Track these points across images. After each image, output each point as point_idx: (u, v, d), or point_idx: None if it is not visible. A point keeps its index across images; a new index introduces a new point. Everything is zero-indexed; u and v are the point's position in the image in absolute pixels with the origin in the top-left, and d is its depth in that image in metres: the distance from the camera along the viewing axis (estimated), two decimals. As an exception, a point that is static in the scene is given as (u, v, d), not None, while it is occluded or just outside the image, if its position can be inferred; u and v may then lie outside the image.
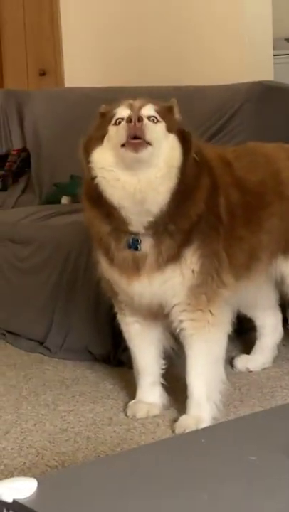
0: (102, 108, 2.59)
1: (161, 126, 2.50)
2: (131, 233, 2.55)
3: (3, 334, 3.62)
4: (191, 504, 1.38)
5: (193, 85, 3.94)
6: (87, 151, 2.55)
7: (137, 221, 2.52)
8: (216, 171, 2.67)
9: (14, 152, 4.35)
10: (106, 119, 2.53)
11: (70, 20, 4.72)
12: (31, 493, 1.41)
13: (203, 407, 2.67)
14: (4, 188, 4.29)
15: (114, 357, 3.26)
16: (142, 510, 1.38)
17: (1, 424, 2.80)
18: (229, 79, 3.86)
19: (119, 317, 2.83)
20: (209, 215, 2.60)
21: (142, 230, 2.54)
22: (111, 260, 2.63)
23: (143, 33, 4.40)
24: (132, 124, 2.43)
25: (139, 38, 4.41)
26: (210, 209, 2.60)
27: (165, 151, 2.49)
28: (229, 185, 2.70)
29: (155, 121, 2.49)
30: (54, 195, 4.05)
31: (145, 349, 2.81)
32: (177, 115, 2.56)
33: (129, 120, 2.44)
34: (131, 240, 2.55)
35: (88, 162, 2.54)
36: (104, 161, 2.51)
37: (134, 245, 2.56)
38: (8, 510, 1.38)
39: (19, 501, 1.38)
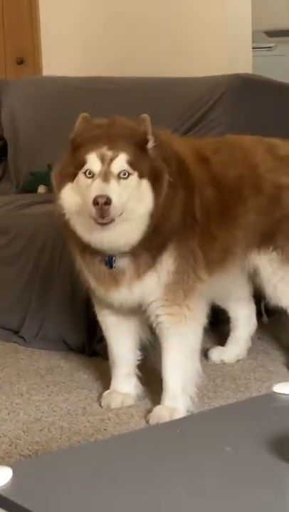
0: (74, 136, 2.52)
1: (132, 179, 2.45)
2: (105, 254, 2.56)
3: (-22, 323, 3.60)
4: (167, 494, 1.38)
5: (173, 76, 3.94)
6: (58, 186, 2.53)
7: (110, 252, 2.55)
8: (192, 169, 2.67)
9: (-9, 140, 4.32)
10: (76, 157, 2.47)
11: (49, 8, 4.69)
12: (6, 482, 1.40)
13: (178, 399, 2.67)
14: (-19, 177, 4.26)
15: (89, 347, 3.25)
16: (116, 499, 1.38)
17: (-26, 413, 2.79)
18: (208, 71, 3.86)
19: (96, 308, 2.83)
20: (185, 217, 2.61)
21: (117, 253, 2.55)
22: (88, 269, 2.64)
23: (123, 23, 4.38)
24: (99, 207, 2.36)
25: (118, 28, 4.39)
26: (185, 212, 2.61)
27: (136, 204, 2.46)
28: (205, 184, 2.70)
29: (126, 175, 2.43)
30: (31, 184, 4.03)
31: (121, 340, 2.82)
32: (150, 144, 2.50)
33: (95, 203, 2.37)
34: (106, 259, 2.56)
35: (58, 198, 2.53)
36: (73, 203, 2.49)
37: (110, 263, 2.57)
38: (-17, 498, 1.37)
39: (-6, 490, 1.38)
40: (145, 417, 2.71)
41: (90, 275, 2.66)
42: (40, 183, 3.94)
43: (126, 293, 2.62)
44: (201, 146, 2.84)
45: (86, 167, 2.45)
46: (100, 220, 2.41)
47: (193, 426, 1.68)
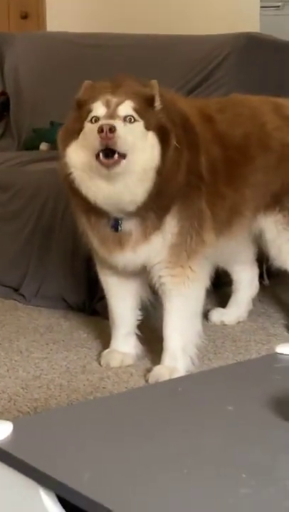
0: (79, 96, 2.50)
1: (138, 126, 2.41)
2: (110, 217, 2.53)
3: (-23, 280, 3.59)
4: (166, 452, 1.38)
5: (178, 34, 3.88)
6: (64, 144, 2.49)
7: (116, 212, 2.51)
8: (197, 128, 2.63)
9: (-7, 96, 4.28)
10: (83, 111, 2.45)
11: None
12: (6, 436, 1.40)
13: (178, 359, 2.66)
14: (-18, 133, 4.22)
15: (89, 306, 3.24)
16: (115, 457, 1.37)
17: (-27, 369, 2.79)
18: (215, 29, 3.81)
19: (97, 268, 2.81)
20: (191, 177, 2.57)
21: (122, 216, 2.52)
22: (92, 231, 2.61)
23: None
24: (104, 134, 2.33)
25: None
26: (191, 171, 2.57)
27: (142, 155, 2.42)
28: (211, 141, 2.67)
29: (132, 120, 2.40)
30: (33, 141, 3.99)
31: (122, 300, 2.80)
32: (158, 104, 2.47)
33: (100, 130, 2.34)
34: (113, 222, 2.53)
35: (63, 156, 2.49)
36: (79, 159, 2.45)
37: (116, 227, 2.54)
38: (-18, 452, 1.36)
39: (-6, 444, 1.37)
40: (144, 376, 2.71)
41: (95, 237, 2.63)
42: (42, 140, 3.90)
43: (131, 255, 2.59)
44: (205, 105, 2.80)
45: (91, 114, 2.42)
46: (104, 160, 2.36)
47: (195, 385, 1.67)
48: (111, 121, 2.36)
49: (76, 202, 2.61)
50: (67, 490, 1.26)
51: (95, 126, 2.39)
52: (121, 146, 2.37)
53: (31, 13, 4.72)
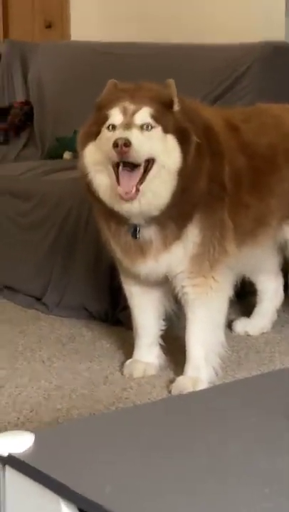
0: (99, 99, 2.50)
1: (156, 132, 2.41)
2: (130, 224, 2.52)
3: (1, 289, 3.59)
4: (189, 467, 1.35)
5: (202, 43, 3.87)
6: (82, 146, 2.51)
7: (136, 218, 2.49)
8: (221, 136, 2.62)
9: (17, 105, 4.29)
10: (101, 115, 2.45)
11: (78, -27, 4.63)
12: (27, 448, 1.38)
13: (201, 370, 2.64)
14: (6, 142, 4.23)
15: (112, 316, 3.23)
16: (137, 469, 1.35)
17: (-5, 378, 2.78)
18: (239, 38, 3.79)
19: (121, 277, 2.79)
20: (213, 186, 2.56)
21: (142, 222, 2.51)
22: (114, 240, 2.60)
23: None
24: (119, 149, 2.33)
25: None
26: (213, 179, 2.55)
27: (163, 158, 2.41)
28: (235, 150, 2.65)
29: (149, 127, 2.39)
30: (56, 149, 4.00)
31: (145, 309, 2.78)
32: (176, 106, 2.46)
33: (115, 145, 2.33)
34: (132, 229, 2.52)
35: (82, 157, 2.50)
36: (96, 161, 2.46)
37: (134, 233, 2.53)
38: (4, 464, 1.35)
39: (15, 455, 1.35)
40: (167, 387, 2.68)
41: (117, 246, 2.62)
42: (66, 148, 3.90)
43: (153, 264, 2.58)
44: (230, 115, 2.79)
45: (108, 122, 2.43)
46: (123, 194, 2.37)
47: (217, 397, 1.64)
48: (126, 135, 2.36)
49: (96, 207, 2.60)
50: (89, 503, 1.25)
51: (112, 135, 2.39)
52: (136, 158, 2.37)
53: (55, 23, 4.73)
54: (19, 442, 1.37)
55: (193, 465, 1.35)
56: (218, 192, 2.59)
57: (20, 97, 4.33)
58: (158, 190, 2.43)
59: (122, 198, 2.40)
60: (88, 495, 1.25)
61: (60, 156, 3.93)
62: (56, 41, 4.57)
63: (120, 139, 2.34)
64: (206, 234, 2.58)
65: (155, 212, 2.48)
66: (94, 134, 2.48)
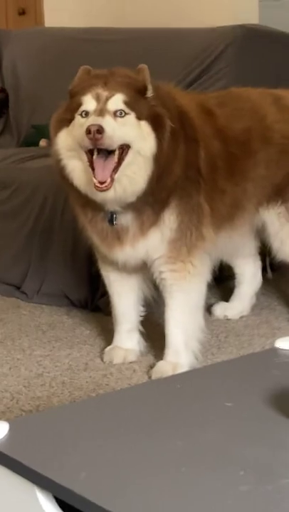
0: (72, 86, 2.49)
1: (129, 118, 2.40)
2: (106, 211, 2.51)
3: (-20, 279, 3.58)
4: (164, 450, 1.36)
5: (176, 27, 3.86)
6: (54, 132, 2.50)
7: (112, 205, 2.49)
8: (196, 121, 2.61)
9: (-8, 93, 4.26)
10: (74, 102, 2.44)
11: None
12: (1, 437, 1.38)
13: (180, 354, 2.65)
14: (-18, 130, 4.20)
15: (92, 302, 3.23)
16: (115, 454, 1.35)
17: (-25, 368, 2.78)
18: (213, 22, 3.78)
19: (99, 264, 2.79)
20: (188, 171, 2.56)
21: (118, 209, 2.50)
22: (91, 227, 2.60)
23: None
24: (92, 135, 2.32)
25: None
26: (189, 165, 2.55)
27: (138, 144, 2.40)
28: (210, 135, 2.65)
29: (122, 114, 2.39)
30: (32, 137, 3.98)
31: (124, 296, 2.78)
32: (149, 92, 2.45)
33: (88, 132, 2.32)
34: (109, 216, 2.52)
35: (54, 144, 2.49)
36: (68, 147, 2.45)
37: (111, 220, 2.53)
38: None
39: (-11, 445, 1.36)
40: (148, 372, 2.69)
41: (93, 233, 2.62)
42: (42, 136, 3.88)
43: (130, 251, 2.58)
44: (204, 99, 2.78)
45: (82, 108, 2.42)
46: (98, 184, 2.36)
47: (194, 381, 1.65)
48: (99, 121, 2.35)
49: (71, 193, 2.60)
50: (63, 490, 1.25)
51: (85, 122, 2.38)
52: (110, 145, 2.36)
53: (29, 10, 4.70)
54: (-7, 432, 1.38)
55: (168, 450, 1.36)
56: (194, 177, 2.59)
57: (-5, 86, 4.31)
58: (133, 176, 2.43)
59: (97, 189, 2.39)
60: (62, 482, 1.25)
61: (37, 144, 3.91)
62: (30, 28, 4.54)
63: (93, 125, 2.33)
64: (182, 219, 2.58)
65: (131, 199, 2.47)
66: (67, 121, 2.47)
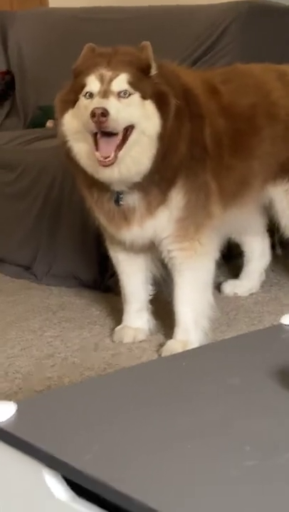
0: (76, 65, 2.48)
1: (134, 98, 2.39)
2: (112, 191, 2.51)
3: (-11, 260, 3.59)
4: (170, 428, 1.37)
5: (180, 4, 3.83)
6: (60, 113, 2.49)
7: (118, 185, 2.48)
8: (200, 99, 2.60)
9: (-2, 75, 4.26)
10: (78, 82, 2.43)
11: None
12: (9, 417, 1.39)
13: (190, 332, 2.65)
14: (-12, 112, 4.21)
15: (102, 283, 3.23)
16: (121, 432, 1.36)
17: (-14, 349, 2.79)
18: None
19: (107, 244, 2.80)
20: (194, 149, 2.54)
21: (125, 189, 2.49)
22: (98, 208, 2.59)
23: None
24: (96, 119, 2.31)
25: None
26: (194, 142, 2.54)
27: (142, 124, 2.39)
28: (216, 112, 2.64)
29: (127, 94, 2.38)
30: (39, 118, 3.98)
31: (133, 275, 2.79)
32: (153, 70, 2.44)
33: (92, 115, 2.32)
34: (115, 196, 2.51)
35: (61, 124, 2.48)
36: (74, 128, 2.45)
37: (117, 201, 2.52)
38: (-16, 434, 1.36)
39: (-4, 425, 1.37)
40: (158, 351, 2.70)
41: (100, 213, 2.62)
42: (49, 117, 3.87)
43: (137, 231, 2.58)
44: (209, 77, 2.77)
45: (86, 89, 2.41)
46: (101, 158, 2.36)
47: (199, 358, 1.65)
48: (103, 104, 2.34)
49: (77, 174, 2.59)
50: (70, 469, 1.26)
51: (89, 103, 2.37)
52: (115, 128, 2.36)
53: (33, -10, 4.69)
54: (1, 412, 1.38)
55: (174, 428, 1.37)
56: (200, 154, 2.58)
57: (1, 67, 4.30)
58: (138, 156, 2.42)
59: (100, 163, 2.39)
60: (69, 461, 1.26)
61: (43, 125, 3.91)
62: (34, 9, 4.53)
63: (98, 108, 2.33)
64: (190, 197, 2.57)
65: (136, 179, 2.47)
66: (71, 102, 2.46)
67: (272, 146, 2.76)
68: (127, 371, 1.74)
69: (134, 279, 2.80)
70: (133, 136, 2.40)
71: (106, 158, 2.37)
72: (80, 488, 1.27)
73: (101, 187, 2.53)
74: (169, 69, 2.56)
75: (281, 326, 1.70)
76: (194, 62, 3.53)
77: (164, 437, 1.35)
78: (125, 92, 2.39)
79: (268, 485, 1.17)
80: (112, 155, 2.37)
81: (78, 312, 3.08)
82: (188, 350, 1.98)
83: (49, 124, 3.89)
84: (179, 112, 2.47)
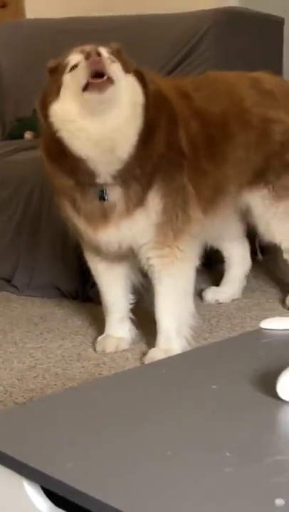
0: (51, 63, 2.47)
1: (118, 66, 2.39)
2: (97, 185, 2.48)
3: None
4: (149, 436, 1.36)
5: (157, 13, 3.84)
6: (45, 107, 2.44)
7: (105, 171, 2.45)
8: (173, 103, 2.60)
9: (-25, 87, 4.25)
10: (58, 71, 2.41)
11: None
12: (-12, 430, 1.38)
13: (172, 340, 2.65)
14: None
15: (83, 293, 3.23)
16: (99, 443, 1.35)
17: None
18: (194, 6, 3.76)
19: (85, 254, 2.78)
20: (170, 152, 2.54)
21: (109, 181, 2.47)
22: (77, 211, 2.58)
23: None
24: (91, 60, 2.30)
25: None
26: (170, 145, 2.53)
27: (128, 90, 2.39)
28: (189, 117, 2.63)
29: (112, 60, 2.38)
30: (17, 130, 3.97)
31: (113, 285, 2.78)
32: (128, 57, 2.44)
33: (87, 56, 2.31)
34: (99, 192, 2.49)
35: (47, 117, 2.44)
36: (65, 112, 2.40)
37: (102, 196, 2.50)
38: None
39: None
40: (140, 359, 2.69)
41: (80, 215, 2.59)
42: (27, 128, 3.87)
43: (113, 231, 2.54)
44: (181, 84, 2.77)
45: (70, 65, 2.38)
46: (95, 81, 2.31)
47: (179, 365, 1.65)
48: (95, 48, 2.33)
49: (61, 176, 2.55)
50: (50, 480, 1.25)
51: (79, 68, 2.34)
52: (110, 69, 2.34)
53: (9, 2, 4.68)
54: (-21, 425, 1.38)
55: (153, 436, 1.36)
56: (177, 158, 2.57)
57: (-22, 79, 4.29)
58: (125, 127, 2.39)
59: (92, 84, 2.32)
60: (49, 472, 1.25)
61: (22, 136, 3.91)
62: (11, 21, 4.53)
63: (92, 49, 2.32)
64: (167, 201, 2.55)
65: (124, 154, 2.41)
66: (55, 92, 2.41)
67: (246, 152, 2.77)
68: (106, 380, 1.74)
69: (115, 289, 2.79)
70: (119, 101, 2.36)
71: (99, 81, 2.32)
72: (61, 499, 1.26)
73: (83, 186, 2.49)
74: (144, 70, 2.55)
75: (260, 330, 1.69)
76: (172, 70, 3.54)
77: (144, 445, 1.34)
78: (110, 57, 2.38)
79: (248, 491, 1.17)
80: (105, 77, 2.32)
81: (60, 323, 3.07)
82: (168, 358, 1.97)
83: (27, 135, 3.89)
84: (156, 109, 2.46)
